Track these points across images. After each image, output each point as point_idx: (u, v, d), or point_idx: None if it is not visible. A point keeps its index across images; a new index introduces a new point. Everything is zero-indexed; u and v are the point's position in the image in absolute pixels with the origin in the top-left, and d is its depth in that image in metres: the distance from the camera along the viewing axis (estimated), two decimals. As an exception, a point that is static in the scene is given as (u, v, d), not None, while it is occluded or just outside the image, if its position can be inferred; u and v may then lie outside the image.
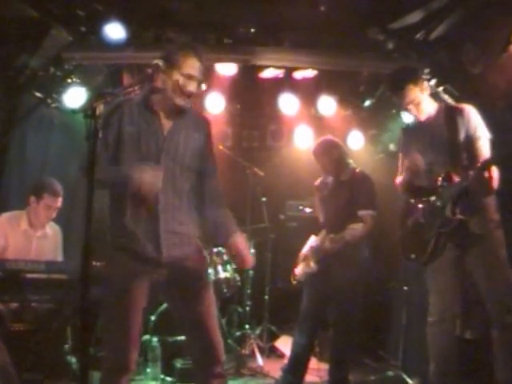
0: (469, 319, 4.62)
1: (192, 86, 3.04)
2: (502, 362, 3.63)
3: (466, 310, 4.52)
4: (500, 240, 3.71)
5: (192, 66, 3.03)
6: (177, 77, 3.00)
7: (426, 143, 3.87)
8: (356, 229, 4.52)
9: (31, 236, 4.78)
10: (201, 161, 3.21)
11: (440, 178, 3.73)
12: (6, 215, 4.79)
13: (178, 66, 3.01)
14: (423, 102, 3.85)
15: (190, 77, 3.02)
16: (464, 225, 3.65)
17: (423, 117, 3.88)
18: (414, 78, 3.85)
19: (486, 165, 3.46)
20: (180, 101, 3.05)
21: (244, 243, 3.21)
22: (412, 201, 3.99)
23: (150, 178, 2.91)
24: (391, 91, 3.98)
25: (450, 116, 3.80)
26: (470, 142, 3.72)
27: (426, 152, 3.86)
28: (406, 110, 3.92)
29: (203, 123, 3.30)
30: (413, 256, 3.94)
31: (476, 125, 3.74)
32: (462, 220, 3.63)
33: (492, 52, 4.53)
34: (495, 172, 3.51)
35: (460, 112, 3.78)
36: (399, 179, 4.11)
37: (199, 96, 3.05)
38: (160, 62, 3.01)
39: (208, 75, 6.19)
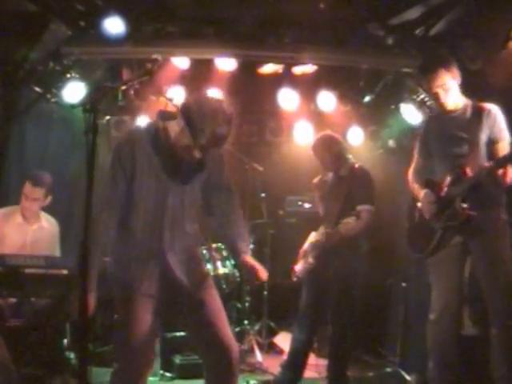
0: (468, 316, 4.63)
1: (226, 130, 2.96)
2: (499, 360, 3.64)
3: (470, 306, 4.55)
4: (506, 240, 3.72)
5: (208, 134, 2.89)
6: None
7: (448, 135, 3.88)
8: (350, 223, 4.50)
9: (26, 229, 4.76)
10: (209, 185, 3.20)
11: (454, 171, 3.74)
12: (1, 211, 4.78)
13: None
14: (452, 90, 3.81)
15: (228, 122, 2.94)
16: (472, 219, 3.66)
17: (450, 106, 3.84)
18: (446, 62, 3.83)
19: (502, 162, 3.48)
20: (196, 153, 2.95)
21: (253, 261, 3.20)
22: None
23: None
24: (422, 73, 3.96)
25: (477, 114, 3.79)
26: (492, 143, 3.74)
27: (446, 144, 3.88)
28: (434, 95, 3.84)
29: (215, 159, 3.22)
30: (418, 247, 3.95)
31: (500, 127, 3.75)
32: (471, 214, 3.64)
33: (491, 48, 4.53)
34: (510, 171, 3.50)
35: (487, 112, 3.78)
36: (411, 171, 4.16)
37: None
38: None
39: (205, 67, 6.20)
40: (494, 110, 3.79)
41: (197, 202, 3.17)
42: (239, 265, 3.31)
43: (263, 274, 3.14)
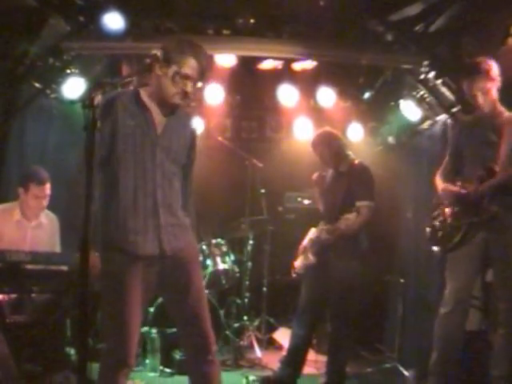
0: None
1: (188, 86, 3.00)
2: (501, 360, 3.67)
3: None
4: None
5: (190, 65, 2.98)
6: (173, 74, 2.97)
7: (480, 138, 3.93)
8: (349, 218, 4.49)
9: (25, 227, 4.74)
10: (186, 162, 3.22)
11: (483, 170, 3.79)
12: None
13: (175, 64, 2.97)
14: (491, 93, 3.89)
15: (186, 77, 2.98)
16: (497, 218, 3.74)
17: (486, 108, 3.91)
18: (490, 68, 3.89)
19: None
20: (176, 99, 3.03)
21: None
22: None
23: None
24: (468, 74, 3.98)
25: (509, 120, 3.87)
26: None
27: (477, 146, 3.93)
28: (473, 97, 3.92)
29: (192, 129, 3.29)
30: (440, 242, 4.03)
31: None
32: (497, 212, 3.71)
33: (491, 45, 4.52)
34: None
35: None
36: (440, 169, 4.22)
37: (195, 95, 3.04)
38: (159, 53, 2.99)
39: (207, 71, 6.18)
40: None
41: (180, 165, 3.16)
42: None
43: None
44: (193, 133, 3.27)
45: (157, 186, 3.02)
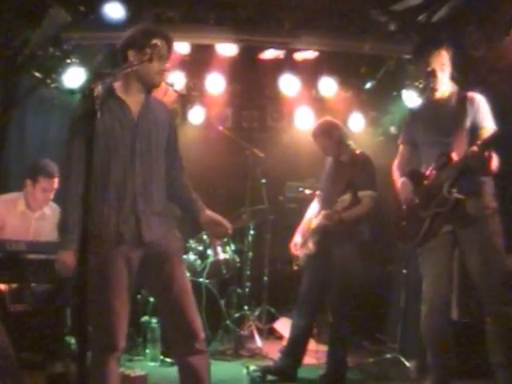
0: (465, 303, 4.64)
1: (164, 64, 3.12)
2: (495, 348, 3.65)
3: (463, 294, 4.55)
4: (495, 228, 3.70)
5: (161, 45, 3.08)
6: (148, 57, 3.00)
7: (433, 123, 3.85)
8: (345, 199, 4.47)
9: (29, 217, 4.74)
10: (168, 147, 3.25)
11: (440, 157, 3.71)
12: (2, 197, 4.76)
13: (147, 47, 3.03)
14: (446, 73, 3.79)
15: (160, 56, 3.07)
16: (460, 205, 3.62)
17: (440, 91, 3.82)
18: (446, 44, 3.81)
19: (486, 144, 3.45)
20: (156, 79, 3.13)
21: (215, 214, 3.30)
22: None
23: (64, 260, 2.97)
24: (425, 50, 3.84)
25: (461, 101, 3.77)
26: (475, 130, 3.70)
27: (431, 131, 3.84)
28: (431, 73, 3.77)
29: (168, 112, 3.35)
30: (407, 238, 3.92)
31: (484, 115, 3.73)
32: (459, 199, 3.59)
33: (495, 35, 4.49)
34: (495, 157, 3.49)
35: (471, 100, 3.76)
36: (396, 160, 4.12)
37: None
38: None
39: (206, 53, 6.17)
40: (477, 98, 3.78)
41: (162, 151, 3.19)
42: (201, 223, 3.30)
43: (227, 226, 3.25)
44: (169, 116, 3.31)
45: (136, 175, 3.05)
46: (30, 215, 4.75)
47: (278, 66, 6.49)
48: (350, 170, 4.78)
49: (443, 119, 3.79)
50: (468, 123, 3.71)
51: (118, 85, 3.12)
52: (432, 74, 3.77)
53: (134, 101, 3.12)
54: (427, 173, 3.79)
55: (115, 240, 3.02)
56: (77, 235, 2.89)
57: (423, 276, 3.92)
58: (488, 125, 3.70)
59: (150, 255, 3.09)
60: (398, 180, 4.03)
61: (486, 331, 3.69)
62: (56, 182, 4.74)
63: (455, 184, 3.60)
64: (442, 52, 3.77)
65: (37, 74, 5.52)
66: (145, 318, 5.21)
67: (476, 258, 3.68)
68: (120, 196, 3.04)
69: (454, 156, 3.63)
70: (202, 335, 3.15)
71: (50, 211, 4.86)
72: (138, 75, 3.08)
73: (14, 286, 4.29)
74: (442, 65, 3.76)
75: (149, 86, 3.14)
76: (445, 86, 3.82)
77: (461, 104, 3.76)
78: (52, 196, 4.81)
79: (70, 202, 3.00)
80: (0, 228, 4.60)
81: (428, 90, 3.88)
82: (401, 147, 4.13)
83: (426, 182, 3.80)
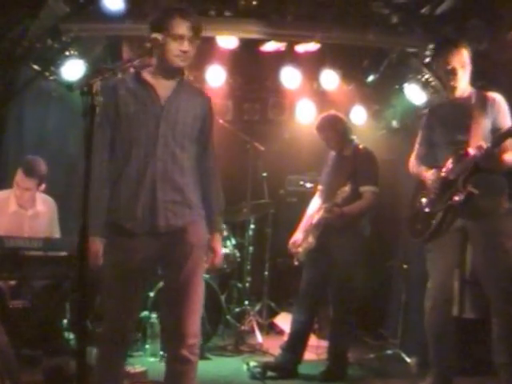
0: (469, 300, 4.61)
1: (184, 45, 3.00)
2: (500, 347, 3.64)
3: (466, 291, 4.52)
4: (506, 228, 3.68)
5: (179, 25, 2.98)
6: (167, 40, 2.96)
7: (451, 121, 3.84)
8: (345, 191, 4.45)
9: (22, 216, 4.67)
10: (200, 135, 3.17)
11: (456, 153, 3.70)
12: None
13: (165, 29, 2.97)
14: (466, 72, 3.80)
15: (180, 37, 2.98)
16: (473, 199, 3.61)
17: (459, 89, 3.81)
18: (467, 44, 3.84)
19: (499, 140, 3.49)
20: (176, 62, 3.02)
21: (220, 245, 3.24)
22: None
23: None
24: (445, 48, 3.87)
25: (481, 102, 3.76)
26: (494, 131, 3.70)
27: (450, 130, 3.83)
28: (451, 71, 3.78)
29: (204, 99, 3.25)
30: (418, 233, 3.91)
31: (504, 116, 3.74)
32: (472, 192, 3.59)
33: (498, 29, 4.44)
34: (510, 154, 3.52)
35: (492, 101, 3.76)
36: (413, 158, 4.10)
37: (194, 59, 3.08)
38: (159, 36, 2.97)
39: (207, 45, 6.10)
40: (498, 98, 3.78)
41: (190, 138, 3.11)
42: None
43: (217, 261, 3.19)
44: (205, 106, 3.21)
45: (156, 160, 2.98)
46: (23, 214, 4.67)
47: (280, 59, 6.42)
48: (352, 165, 4.76)
49: (462, 118, 3.77)
50: (488, 124, 3.72)
51: (149, 69, 3.08)
52: (452, 72, 3.77)
53: (163, 85, 3.07)
54: (443, 168, 3.77)
55: (132, 227, 2.97)
56: (101, 221, 2.95)
57: (429, 272, 3.91)
58: (506, 125, 3.68)
59: (167, 244, 3.01)
60: (420, 168, 4.01)
61: (492, 330, 3.68)
62: (31, 183, 4.60)
63: (470, 178, 3.60)
64: (462, 50, 3.78)
65: (35, 67, 5.44)
66: (144, 314, 5.18)
67: (482, 254, 3.68)
68: (139, 182, 2.97)
69: (470, 151, 3.62)
70: (192, 341, 2.98)
71: (44, 207, 4.78)
72: (160, 59, 3.03)
73: (13, 282, 4.25)
74: (463, 63, 3.77)
75: (171, 70, 3.06)
76: (464, 85, 3.82)
77: (481, 104, 3.75)
78: (29, 196, 4.67)
79: (95, 188, 2.88)
80: None
81: (448, 88, 3.89)
82: (417, 146, 4.13)
83: (441, 175, 3.78)
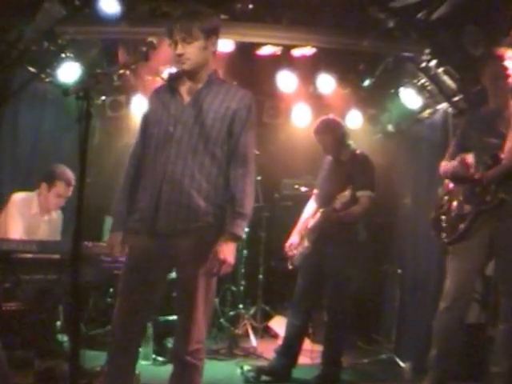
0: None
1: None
2: (501, 356, 3.63)
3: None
4: None
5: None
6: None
7: (489, 128, 3.84)
8: (344, 195, 4.44)
9: (39, 220, 4.79)
10: (228, 137, 3.05)
11: (489, 157, 3.71)
12: (20, 196, 4.75)
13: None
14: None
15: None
16: (504, 205, 3.64)
17: (499, 100, 3.84)
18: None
19: None
20: (176, 66, 3.13)
21: (225, 252, 3.03)
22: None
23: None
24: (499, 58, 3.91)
25: None
26: None
27: (486, 136, 3.83)
28: (499, 80, 3.83)
29: (235, 99, 3.07)
30: (444, 234, 3.93)
31: None
32: (504, 198, 3.62)
33: (495, 34, 4.44)
34: None
35: None
36: (445, 162, 4.08)
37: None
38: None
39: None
40: None
41: (211, 141, 3.01)
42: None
43: (213, 266, 3.00)
44: (239, 107, 3.05)
45: (168, 163, 2.98)
46: (40, 218, 4.80)
47: (276, 62, 6.42)
48: (349, 170, 4.76)
49: (498, 124, 3.79)
50: None
51: (177, 78, 3.14)
52: (500, 80, 3.82)
53: (186, 89, 3.10)
54: (474, 172, 3.78)
55: (135, 226, 3.04)
56: (123, 219, 3.08)
57: (449, 272, 3.90)
58: None
59: (166, 248, 2.98)
60: (451, 164, 3.99)
61: (491, 336, 3.68)
62: (71, 190, 4.80)
63: (502, 184, 3.62)
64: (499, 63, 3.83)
65: (31, 69, 5.43)
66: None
67: (503, 262, 3.68)
68: (151, 183, 3.02)
69: (503, 156, 3.64)
70: (194, 347, 2.98)
71: (56, 214, 4.95)
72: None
73: (7, 284, 4.23)
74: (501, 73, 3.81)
75: (186, 74, 3.07)
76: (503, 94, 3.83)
77: None
78: (63, 203, 4.87)
79: (121, 191, 3.14)
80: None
81: (490, 96, 3.92)
82: (450, 149, 4.12)
83: (471, 179, 3.79)
